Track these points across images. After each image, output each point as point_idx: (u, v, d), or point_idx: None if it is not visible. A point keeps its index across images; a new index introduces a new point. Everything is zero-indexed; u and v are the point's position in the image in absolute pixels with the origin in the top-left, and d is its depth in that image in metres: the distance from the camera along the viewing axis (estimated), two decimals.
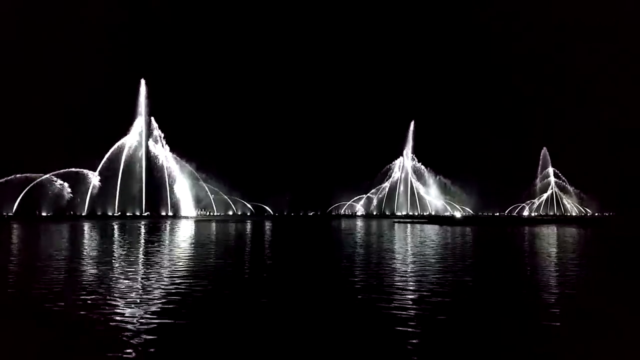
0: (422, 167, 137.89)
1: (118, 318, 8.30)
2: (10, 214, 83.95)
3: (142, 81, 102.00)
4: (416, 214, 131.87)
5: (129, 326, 7.74)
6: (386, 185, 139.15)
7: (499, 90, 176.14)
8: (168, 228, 47.91)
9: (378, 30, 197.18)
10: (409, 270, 14.64)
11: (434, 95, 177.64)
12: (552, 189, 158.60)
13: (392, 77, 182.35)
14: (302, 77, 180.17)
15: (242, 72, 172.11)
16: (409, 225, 60.76)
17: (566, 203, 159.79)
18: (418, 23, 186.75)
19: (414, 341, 7.07)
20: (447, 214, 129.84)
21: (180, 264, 16.32)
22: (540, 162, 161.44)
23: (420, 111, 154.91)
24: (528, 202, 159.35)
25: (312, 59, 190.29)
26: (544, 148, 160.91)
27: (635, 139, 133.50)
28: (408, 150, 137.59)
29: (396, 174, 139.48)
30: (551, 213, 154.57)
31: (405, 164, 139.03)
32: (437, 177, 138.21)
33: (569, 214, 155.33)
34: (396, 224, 63.52)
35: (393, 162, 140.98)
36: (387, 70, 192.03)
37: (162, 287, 11.46)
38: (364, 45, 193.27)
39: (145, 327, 7.73)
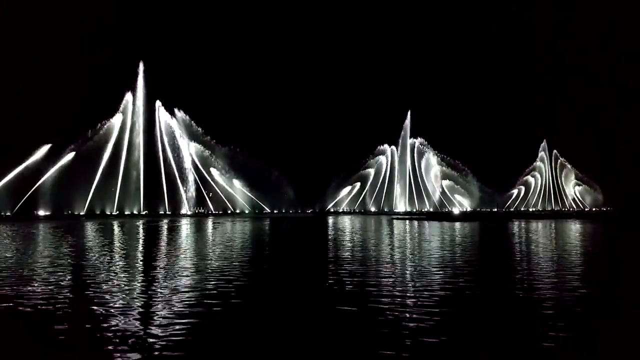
0: (425, 143, 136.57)
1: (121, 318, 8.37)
2: (9, 214, 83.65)
3: (141, 64, 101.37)
4: (414, 210, 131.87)
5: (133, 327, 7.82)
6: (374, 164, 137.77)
7: (497, 82, 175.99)
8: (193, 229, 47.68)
9: (375, 24, 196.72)
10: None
11: (431, 87, 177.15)
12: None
13: (388, 69, 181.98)
14: (298, 70, 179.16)
15: (240, 65, 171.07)
16: (407, 222, 60.84)
17: (565, 187, 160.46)
18: (414, 13, 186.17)
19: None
20: (445, 210, 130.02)
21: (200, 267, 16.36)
22: (540, 154, 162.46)
23: (416, 102, 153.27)
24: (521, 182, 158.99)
25: (308, 53, 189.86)
26: (544, 140, 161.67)
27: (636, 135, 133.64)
28: (406, 134, 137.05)
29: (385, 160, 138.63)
30: (549, 208, 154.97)
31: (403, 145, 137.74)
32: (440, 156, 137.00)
33: (567, 209, 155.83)
34: (395, 221, 63.62)
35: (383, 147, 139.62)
36: (384, 62, 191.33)
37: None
38: (360, 40, 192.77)
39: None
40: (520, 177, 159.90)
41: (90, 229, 44.52)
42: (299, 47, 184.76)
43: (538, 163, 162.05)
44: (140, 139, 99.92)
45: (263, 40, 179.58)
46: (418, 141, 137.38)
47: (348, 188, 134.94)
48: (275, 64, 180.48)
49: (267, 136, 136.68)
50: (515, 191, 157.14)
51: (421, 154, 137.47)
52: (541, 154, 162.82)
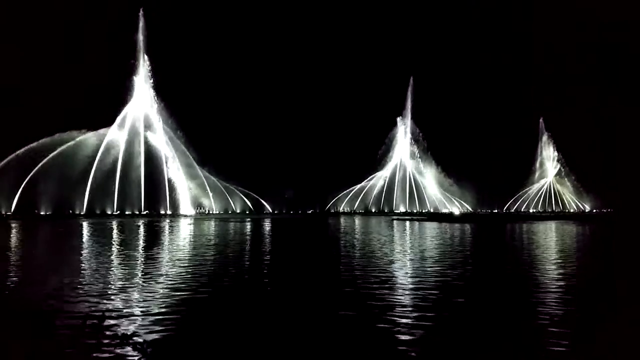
0: (421, 145, 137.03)
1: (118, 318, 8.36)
2: (9, 213, 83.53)
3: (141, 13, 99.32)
4: (414, 211, 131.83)
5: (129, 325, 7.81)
6: (382, 174, 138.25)
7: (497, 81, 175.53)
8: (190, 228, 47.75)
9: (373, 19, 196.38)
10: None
11: (430, 88, 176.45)
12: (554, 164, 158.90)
13: (387, 65, 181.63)
14: (297, 64, 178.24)
15: (239, 56, 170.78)
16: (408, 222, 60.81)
17: (564, 194, 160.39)
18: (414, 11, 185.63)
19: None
20: (445, 210, 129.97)
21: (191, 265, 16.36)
22: (540, 136, 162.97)
23: (417, 104, 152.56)
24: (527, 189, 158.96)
25: (309, 44, 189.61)
26: (541, 118, 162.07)
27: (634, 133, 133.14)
28: (407, 126, 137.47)
29: (393, 162, 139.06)
30: (549, 210, 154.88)
31: (402, 151, 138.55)
32: (437, 167, 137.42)
33: (567, 210, 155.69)
34: (395, 222, 63.62)
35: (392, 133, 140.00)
36: (384, 50, 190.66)
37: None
38: (361, 28, 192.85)
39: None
40: (534, 165, 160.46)
41: (89, 229, 44.53)
42: (300, 42, 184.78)
43: (543, 151, 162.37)
44: (141, 129, 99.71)
45: (261, 30, 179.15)
46: (409, 123, 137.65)
47: (378, 177, 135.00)
48: (270, 54, 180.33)
49: (266, 133, 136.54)
50: (538, 184, 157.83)
51: (421, 172, 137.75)
52: (544, 137, 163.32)
